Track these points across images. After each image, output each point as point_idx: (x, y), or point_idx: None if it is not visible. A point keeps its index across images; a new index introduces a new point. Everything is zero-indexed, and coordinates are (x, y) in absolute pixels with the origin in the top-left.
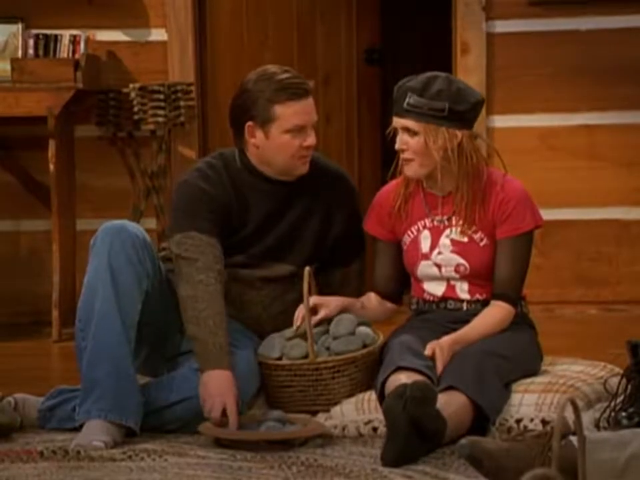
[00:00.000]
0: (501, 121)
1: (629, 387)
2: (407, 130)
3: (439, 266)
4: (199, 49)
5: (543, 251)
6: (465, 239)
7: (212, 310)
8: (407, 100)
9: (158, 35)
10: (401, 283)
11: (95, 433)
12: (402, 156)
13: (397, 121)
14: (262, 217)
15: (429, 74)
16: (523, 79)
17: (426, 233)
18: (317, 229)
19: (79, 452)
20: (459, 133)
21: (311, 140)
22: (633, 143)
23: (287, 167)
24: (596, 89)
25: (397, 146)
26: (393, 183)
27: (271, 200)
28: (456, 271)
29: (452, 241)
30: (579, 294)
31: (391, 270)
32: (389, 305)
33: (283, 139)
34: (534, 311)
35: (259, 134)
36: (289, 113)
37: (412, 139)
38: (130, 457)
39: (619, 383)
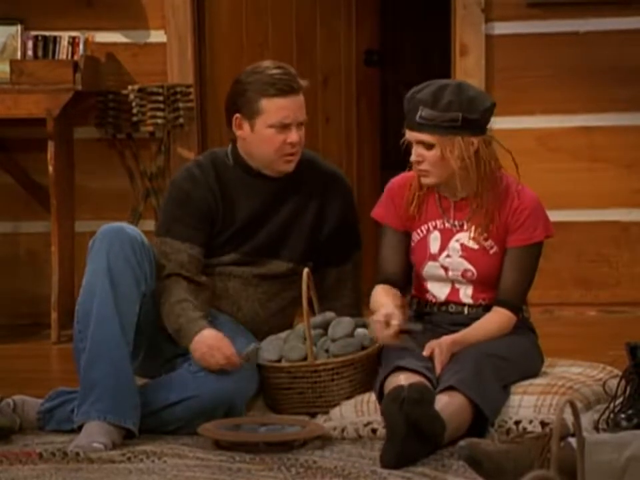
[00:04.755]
0: (500, 123)
1: (628, 388)
2: (421, 143)
3: (445, 268)
4: (198, 50)
5: (543, 253)
6: (476, 246)
7: (176, 299)
8: (419, 113)
9: (157, 36)
10: (408, 272)
11: (94, 435)
12: (418, 167)
13: (411, 135)
14: (251, 213)
15: (438, 83)
16: (522, 80)
17: (436, 234)
18: (310, 225)
19: (77, 454)
20: (474, 140)
21: (294, 137)
22: (632, 144)
23: (270, 162)
24: (595, 90)
25: (412, 158)
26: (407, 175)
27: (261, 196)
28: (463, 275)
29: (462, 245)
30: (579, 295)
31: (399, 258)
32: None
33: (267, 134)
34: (533, 313)
35: (246, 126)
36: (274, 108)
37: (428, 152)
38: (129, 458)
39: (618, 384)
